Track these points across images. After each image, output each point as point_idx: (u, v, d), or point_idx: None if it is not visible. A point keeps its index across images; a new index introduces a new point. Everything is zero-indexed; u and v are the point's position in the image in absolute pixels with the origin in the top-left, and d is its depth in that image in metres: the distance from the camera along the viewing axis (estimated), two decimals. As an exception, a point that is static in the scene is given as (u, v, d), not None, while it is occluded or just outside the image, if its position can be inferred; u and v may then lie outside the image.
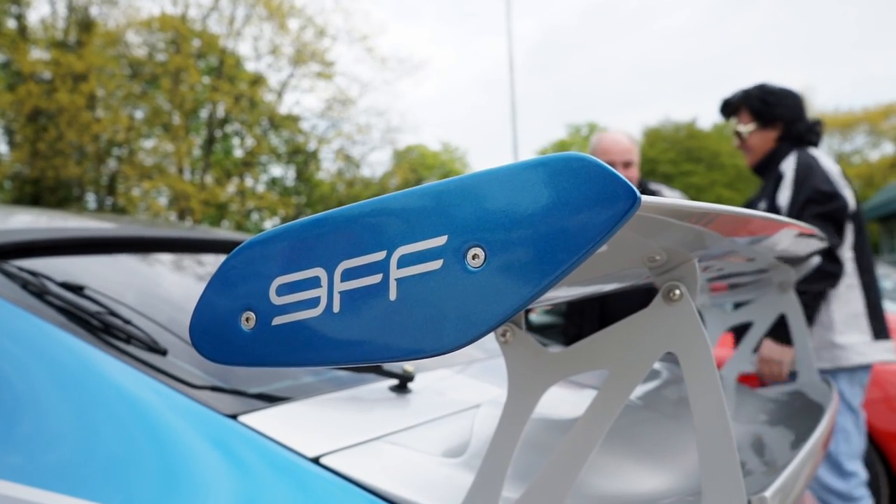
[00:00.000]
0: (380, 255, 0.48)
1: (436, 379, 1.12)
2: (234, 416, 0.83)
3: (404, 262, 0.47)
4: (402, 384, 1.01)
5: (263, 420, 0.83)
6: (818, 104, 35.87)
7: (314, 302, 0.51)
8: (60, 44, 20.17)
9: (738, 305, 1.67)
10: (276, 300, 0.53)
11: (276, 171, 27.88)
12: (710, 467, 0.62)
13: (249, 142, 24.65)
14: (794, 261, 1.40)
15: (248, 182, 25.33)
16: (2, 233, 1.22)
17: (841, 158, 36.39)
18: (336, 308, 0.50)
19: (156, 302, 1.20)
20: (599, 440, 0.66)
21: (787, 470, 0.72)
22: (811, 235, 1.21)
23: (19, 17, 20.99)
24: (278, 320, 0.52)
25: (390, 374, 1.01)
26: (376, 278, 0.48)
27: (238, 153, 26.52)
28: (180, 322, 1.09)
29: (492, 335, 0.67)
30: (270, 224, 25.83)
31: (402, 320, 0.47)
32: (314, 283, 0.51)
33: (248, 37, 23.33)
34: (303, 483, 0.75)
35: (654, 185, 2.96)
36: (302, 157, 26.02)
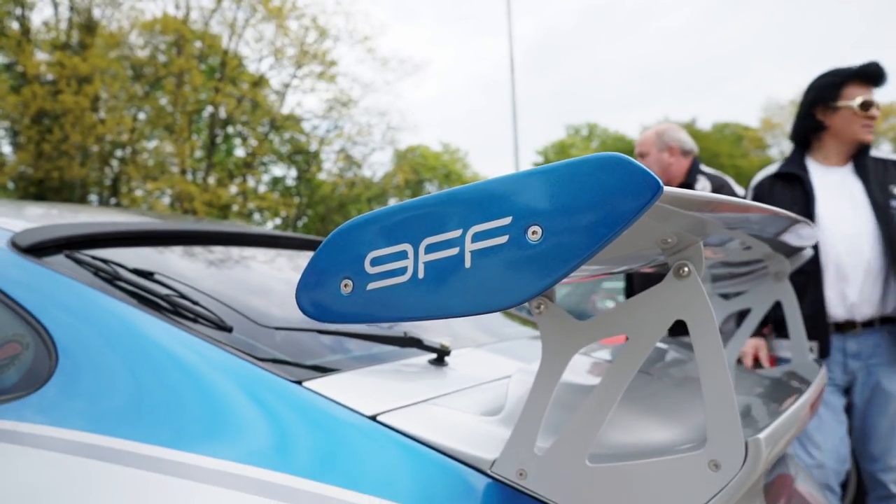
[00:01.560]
0: (457, 233, 0.61)
1: (468, 355, 1.25)
2: (299, 382, 0.96)
3: (477, 237, 0.60)
4: (440, 358, 1.14)
5: (325, 385, 0.96)
6: (817, 104, 35.92)
7: (402, 271, 0.64)
8: (64, 45, 20.29)
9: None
10: (370, 270, 0.66)
11: (278, 171, 28.04)
12: (714, 414, 0.75)
13: (251, 143, 24.79)
14: (788, 251, 1.53)
15: (250, 183, 25.45)
16: (73, 226, 1.35)
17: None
18: (421, 275, 0.63)
19: (217, 287, 1.32)
20: (620, 394, 0.78)
21: (779, 420, 0.84)
22: (805, 226, 1.33)
23: (22, 19, 21.08)
24: (372, 286, 0.65)
25: (429, 349, 1.14)
26: (454, 251, 0.61)
27: (240, 154, 26.64)
28: (240, 304, 1.22)
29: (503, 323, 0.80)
30: (272, 225, 25.99)
31: (476, 283, 0.60)
32: (402, 255, 0.64)
33: (249, 38, 23.43)
34: (365, 436, 0.87)
35: (707, 170, 3.07)
36: (303, 158, 26.16)
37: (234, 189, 23.77)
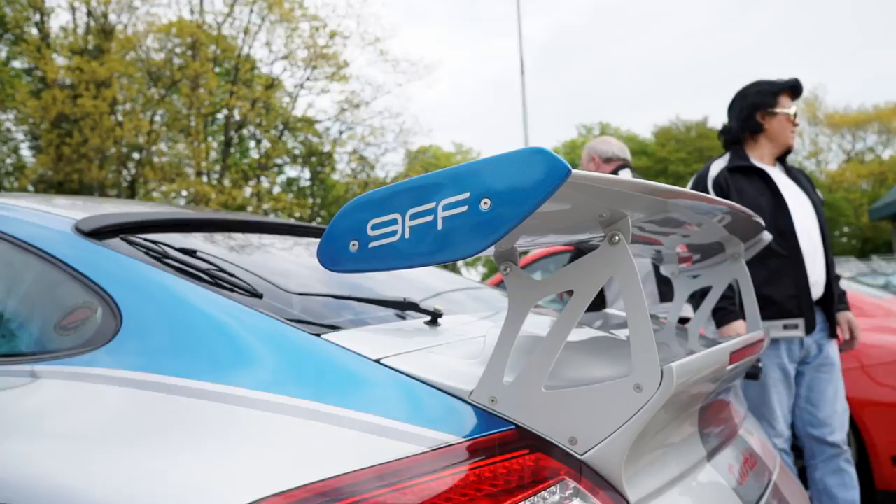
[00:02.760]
0: (432, 205, 0.85)
1: (459, 319, 1.48)
2: (317, 335, 1.19)
3: (446, 207, 0.83)
4: (434, 319, 1.37)
5: (338, 338, 1.19)
6: (829, 103, 35.98)
7: (393, 233, 0.87)
8: (81, 51, 20.70)
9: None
10: (371, 233, 0.89)
11: (292, 172, 28.39)
12: (637, 347, 0.97)
13: (265, 144, 25.15)
14: (743, 235, 1.74)
15: (265, 184, 25.79)
16: (125, 214, 1.60)
17: (852, 157, 36.33)
18: (407, 235, 0.86)
19: (247, 264, 1.56)
20: (568, 335, 1.01)
21: (693, 356, 1.06)
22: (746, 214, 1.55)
23: (41, 25, 21.50)
24: (372, 244, 0.89)
25: (425, 312, 1.38)
26: (430, 217, 0.85)
27: (254, 155, 27.00)
28: (267, 277, 1.45)
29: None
30: (286, 225, 26.20)
31: (446, 240, 0.83)
32: (393, 222, 0.88)
33: (262, 41, 23.78)
34: (371, 373, 1.10)
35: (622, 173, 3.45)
36: (317, 159, 26.50)
37: (248, 190, 24.10)
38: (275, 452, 0.99)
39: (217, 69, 23.27)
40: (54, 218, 1.60)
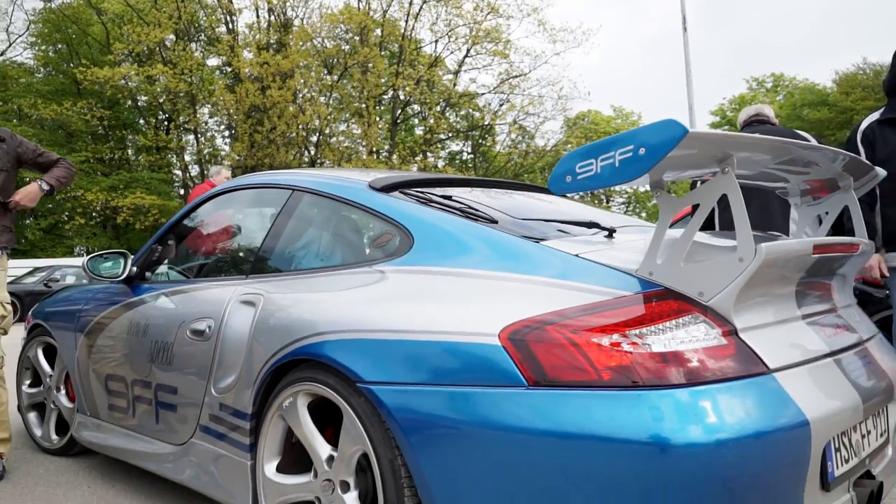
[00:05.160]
0: (612, 153, 1.54)
1: (628, 236, 2.16)
2: (537, 242, 1.92)
3: (621, 154, 1.52)
4: (610, 234, 2.06)
5: (550, 244, 1.91)
6: None
7: (591, 170, 1.58)
8: (266, 46, 22.89)
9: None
10: (578, 171, 1.60)
11: (455, 147, 29.56)
12: (740, 233, 1.60)
13: (429, 121, 26.45)
14: (855, 172, 2.24)
15: (430, 159, 27.12)
16: (398, 175, 2.43)
17: None
18: (598, 171, 1.56)
19: (485, 203, 2.33)
20: (695, 232, 1.66)
21: (783, 241, 1.66)
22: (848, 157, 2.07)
23: (231, 24, 23.91)
24: (580, 177, 1.60)
25: (604, 229, 2.07)
26: (611, 160, 1.54)
27: (419, 132, 28.39)
28: (498, 210, 2.21)
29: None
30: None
31: (619, 171, 1.53)
32: (591, 163, 1.58)
33: (425, 22, 24.91)
34: (574, 261, 1.81)
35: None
36: (478, 133, 27.45)
37: (415, 167, 25.49)
38: (521, 302, 1.73)
39: (383, 52, 24.71)
40: (352, 181, 2.45)
